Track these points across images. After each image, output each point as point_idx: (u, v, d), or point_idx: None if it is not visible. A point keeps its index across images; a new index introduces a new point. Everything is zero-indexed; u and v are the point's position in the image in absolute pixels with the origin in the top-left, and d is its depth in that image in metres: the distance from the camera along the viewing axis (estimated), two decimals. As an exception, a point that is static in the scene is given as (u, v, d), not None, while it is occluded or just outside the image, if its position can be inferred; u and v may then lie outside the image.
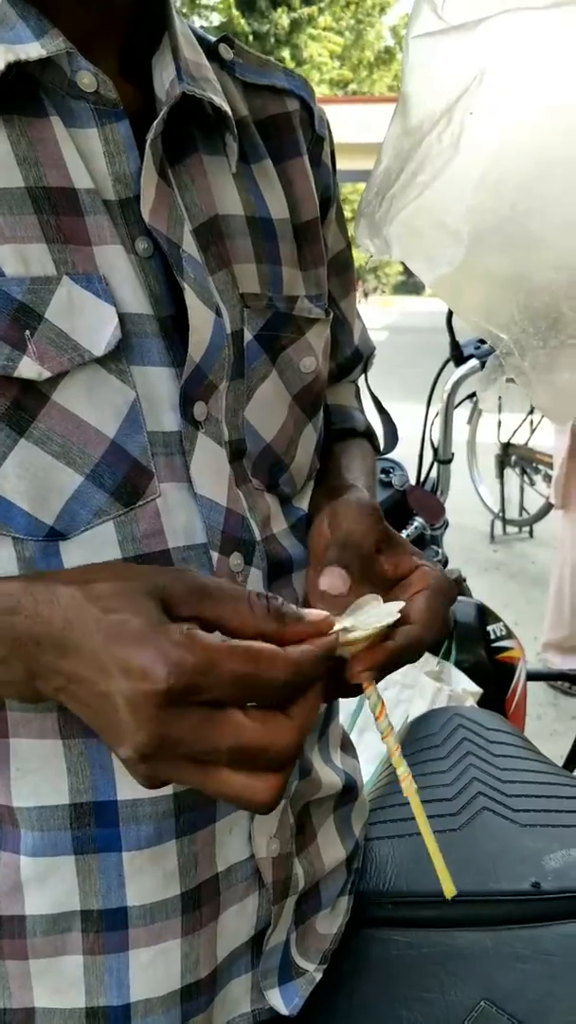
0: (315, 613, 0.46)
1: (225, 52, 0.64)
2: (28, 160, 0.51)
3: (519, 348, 0.37)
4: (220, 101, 0.59)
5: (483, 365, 1.51)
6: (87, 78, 0.53)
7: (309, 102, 0.69)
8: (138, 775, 0.43)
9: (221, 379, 0.57)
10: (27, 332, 0.49)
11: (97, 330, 0.51)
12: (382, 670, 0.51)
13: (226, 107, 0.59)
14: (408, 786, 0.48)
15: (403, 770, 0.48)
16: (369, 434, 0.84)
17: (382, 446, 0.87)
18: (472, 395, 1.87)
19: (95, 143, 0.53)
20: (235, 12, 22.13)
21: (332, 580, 0.53)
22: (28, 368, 0.49)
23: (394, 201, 0.38)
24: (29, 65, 0.51)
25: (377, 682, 0.50)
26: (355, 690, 0.51)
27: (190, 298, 0.55)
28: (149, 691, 0.40)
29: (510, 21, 0.35)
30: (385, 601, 0.53)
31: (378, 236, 0.38)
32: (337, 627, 0.46)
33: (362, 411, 0.85)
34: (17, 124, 0.51)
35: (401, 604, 0.52)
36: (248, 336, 0.60)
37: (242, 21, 22.21)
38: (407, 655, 0.51)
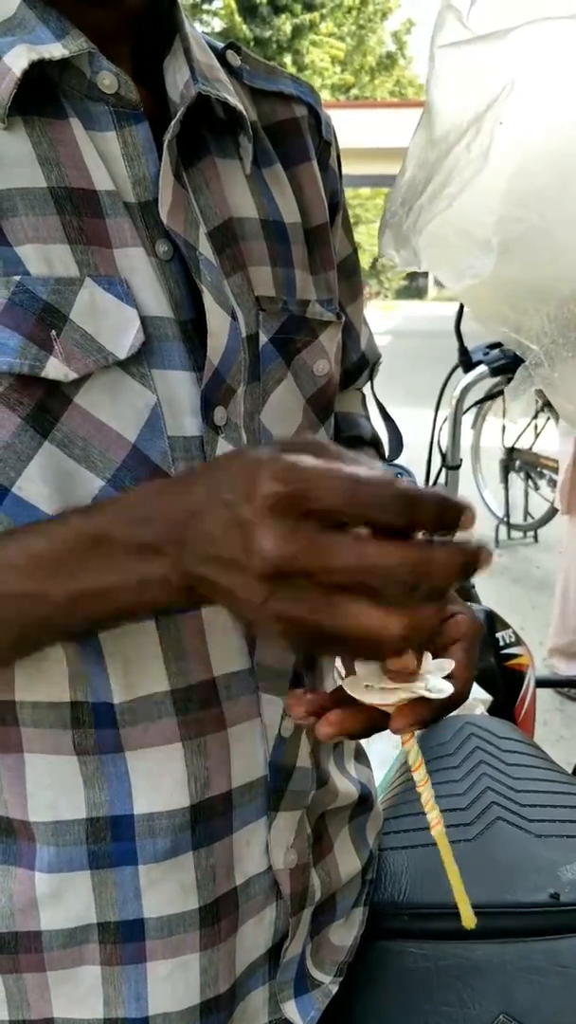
0: None
1: (232, 58, 0.64)
2: (50, 161, 0.51)
3: (548, 359, 0.37)
4: (235, 102, 0.59)
5: (493, 372, 1.51)
6: (108, 79, 0.53)
7: (316, 108, 0.69)
8: (279, 615, 0.38)
9: (239, 383, 0.57)
10: (53, 332, 0.49)
11: (120, 333, 0.51)
12: (422, 725, 0.48)
13: (241, 108, 0.59)
14: (439, 833, 0.48)
15: (435, 815, 0.48)
16: (375, 442, 0.84)
17: (387, 453, 0.87)
18: (479, 401, 1.87)
19: (114, 146, 0.53)
20: (237, 18, 22.21)
21: (404, 660, 0.46)
22: (55, 369, 0.49)
23: (422, 212, 0.37)
24: (49, 67, 0.51)
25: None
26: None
27: (208, 301, 0.55)
28: (266, 493, 0.37)
29: (539, 30, 0.35)
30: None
31: (405, 247, 0.38)
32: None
33: (368, 419, 0.85)
34: (38, 125, 0.51)
35: (452, 664, 0.50)
36: (263, 339, 0.60)
37: (244, 27, 22.28)
38: (448, 711, 0.49)
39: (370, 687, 0.47)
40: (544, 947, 0.68)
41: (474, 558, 0.39)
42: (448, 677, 0.49)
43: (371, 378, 0.84)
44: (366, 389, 0.86)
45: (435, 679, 0.47)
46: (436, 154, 0.38)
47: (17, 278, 0.48)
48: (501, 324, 0.38)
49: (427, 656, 0.50)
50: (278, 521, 0.37)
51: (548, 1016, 0.62)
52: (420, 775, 0.48)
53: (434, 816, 0.48)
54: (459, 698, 0.49)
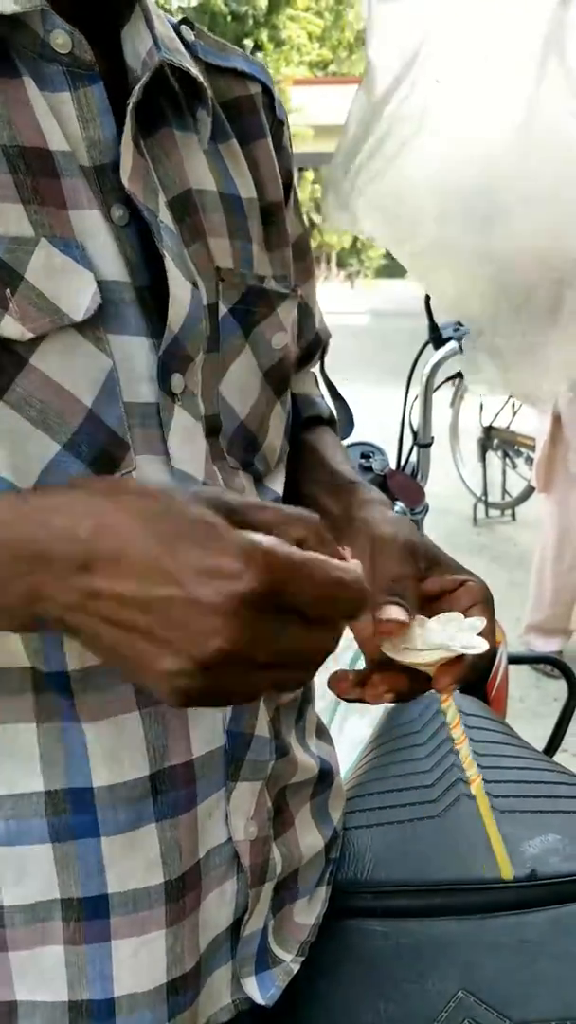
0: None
1: (187, 33, 0.64)
2: (1, 118, 0.49)
3: (492, 326, 0.36)
4: (196, 72, 0.58)
5: (462, 348, 1.50)
6: (61, 37, 0.51)
7: (269, 86, 0.69)
8: (185, 692, 0.39)
9: (197, 351, 0.56)
10: (7, 291, 0.48)
11: (76, 295, 0.50)
12: (463, 681, 0.53)
13: (201, 79, 0.59)
14: (478, 788, 0.51)
15: (473, 772, 0.51)
16: (332, 421, 0.84)
17: (339, 431, 0.88)
18: (452, 378, 1.86)
19: (68, 107, 0.52)
20: (213, -8, 21.88)
21: (395, 613, 0.53)
22: (10, 327, 0.48)
23: (360, 172, 0.36)
24: (0, 26, 0.49)
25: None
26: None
27: (170, 268, 0.54)
28: (235, 591, 0.36)
29: (475, -19, 0.34)
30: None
31: (346, 209, 0.37)
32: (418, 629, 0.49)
33: (323, 398, 0.86)
34: None
35: (483, 622, 0.53)
36: (223, 310, 0.59)
37: (219, 1, 21.95)
38: (480, 668, 0.53)
39: (409, 649, 0.51)
40: (504, 923, 0.68)
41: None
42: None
43: (322, 358, 0.85)
44: (315, 369, 0.86)
45: (469, 637, 0.51)
46: (373, 112, 0.37)
47: None
48: (446, 293, 0.37)
49: (459, 616, 0.54)
50: (248, 613, 0.37)
51: (507, 991, 0.62)
52: (458, 733, 0.51)
53: (473, 772, 0.51)
54: (490, 655, 0.53)
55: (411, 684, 0.54)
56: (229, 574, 0.37)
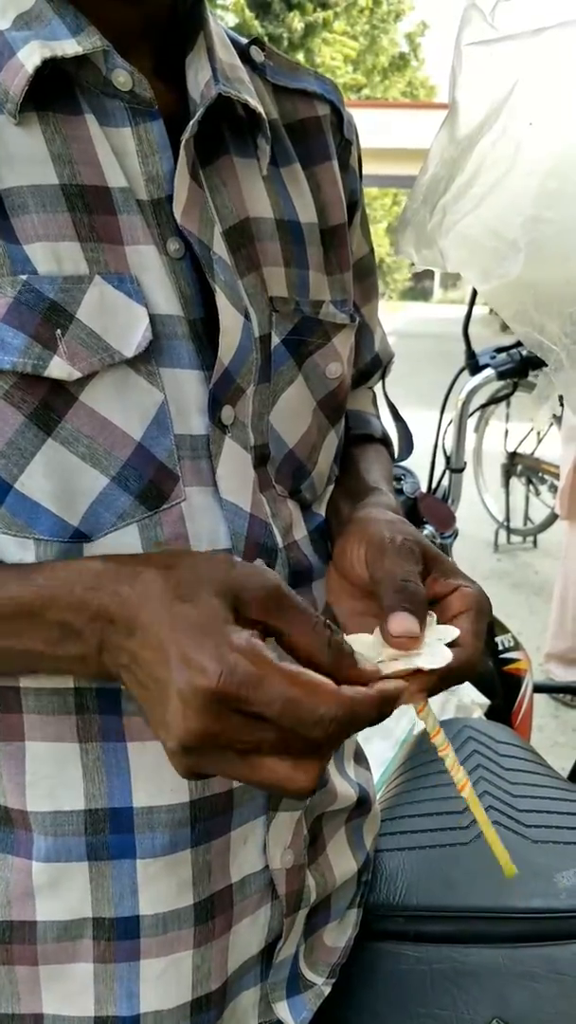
0: (368, 664, 0.45)
1: (256, 54, 0.64)
2: (63, 157, 0.51)
3: (570, 361, 0.36)
4: (255, 103, 0.59)
5: (499, 375, 1.51)
6: (123, 76, 0.52)
7: (339, 106, 0.68)
8: (180, 767, 0.43)
9: (248, 383, 0.57)
10: (58, 331, 0.49)
11: (128, 331, 0.51)
12: (431, 692, 0.50)
13: (260, 109, 0.59)
14: (468, 792, 0.49)
15: (460, 776, 0.49)
16: (385, 440, 0.83)
17: (397, 453, 0.87)
18: (484, 405, 1.87)
19: (128, 142, 0.53)
20: (248, 14, 22.16)
21: (407, 624, 0.49)
22: (58, 368, 0.49)
23: (447, 212, 0.37)
24: (65, 62, 0.50)
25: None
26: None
27: (221, 300, 0.54)
28: (200, 686, 0.40)
29: (568, 31, 0.35)
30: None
31: (429, 247, 0.38)
32: (388, 670, 0.46)
33: (379, 417, 0.85)
34: (52, 121, 0.51)
35: (456, 632, 0.51)
36: (275, 340, 0.60)
37: (256, 23, 22.22)
38: (457, 679, 0.50)
39: (374, 651, 0.49)
40: (540, 953, 0.67)
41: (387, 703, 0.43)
42: (453, 645, 0.50)
43: (383, 377, 0.84)
44: (377, 388, 0.85)
45: (436, 647, 0.49)
46: (459, 152, 0.38)
47: (24, 277, 0.48)
48: (525, 325, 0.38)
49: (432, 623, 0.51)
50: (209, 707, 0.40)
51: (542, 1022, 0.62)
52: (440, 740, 0.49)
53: (460, 777, 0.49)
54: (468, 667, 0.51)
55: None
56: (200, 669, 0.40)
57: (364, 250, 0.74)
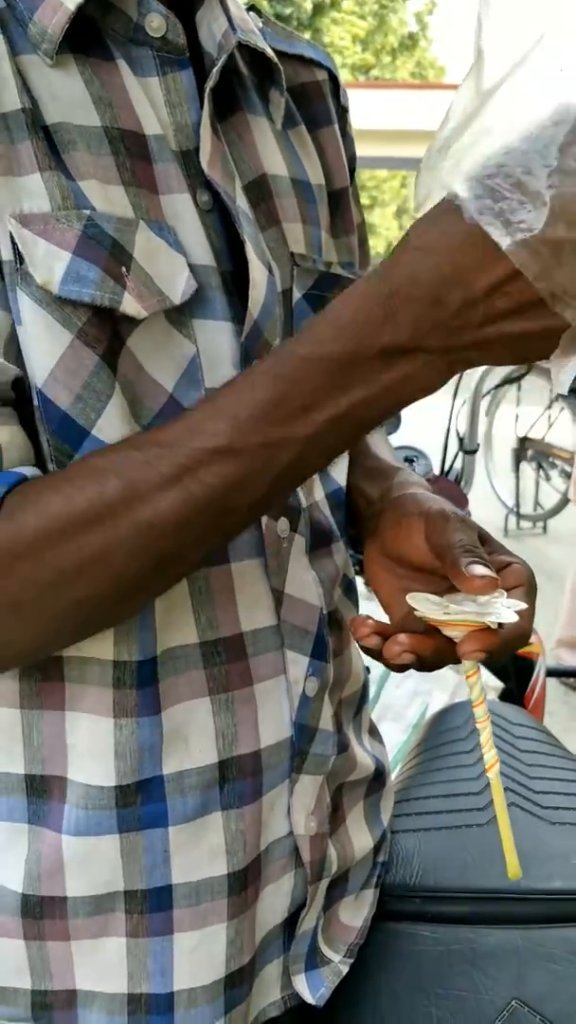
0: None
1: (255, 19, 0.64)
2: (103, 100, 0.50)
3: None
4: (272, 54, 0.58)
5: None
6: (157, 20, 0.52)
7: (335, 73, 0.69)
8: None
9: (275, 336, 0.56)
10: (123, 268, 0.48)
11: (172, 279, 0.50)
12: (488, 655, 0.49)
13: (276, 60, 0.59)
14: (495, 773, 0.49)
15: (492, 755, 0.49)
16: None
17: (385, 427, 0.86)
18: (497, 386, 1.85)
19: (156, 91, 0.52)
20: (258, -7, 21.95)
21: (486, 570, 0.48)
22: (130, 304, 0.48)
23: (465, 154, 0.36)
24: (97, 6, 0.50)
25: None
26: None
27: (250, 252, 0.54)
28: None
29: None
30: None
31: (446, 192, 0.37)
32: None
33: None
34: (89, 64, 0.50)
35: (523, 604, 0.51)
36: (297, 295, 0.59)
37: (265, 2, 22.05)
38: (511, 647, 0.51)
39: (440, 607, 0.49)
40: (558, 934, 0.67)
41: None
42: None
43: None
44: None
45: (503, 609, 0.49)
46: (481, 103, 0.37)
47: (87, 212, 0.47)
48: (555, 284, 0.37)
49: (501, 591, 0.52)
50: None
51: (562, 1003, 0.61)
52: (481, 711, 0.49)
53: (491, 756, 0.49)
54: (523, 637, 0.51)
55: (434, 650, 0.50)
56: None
57: (359, 218, 0.74)
